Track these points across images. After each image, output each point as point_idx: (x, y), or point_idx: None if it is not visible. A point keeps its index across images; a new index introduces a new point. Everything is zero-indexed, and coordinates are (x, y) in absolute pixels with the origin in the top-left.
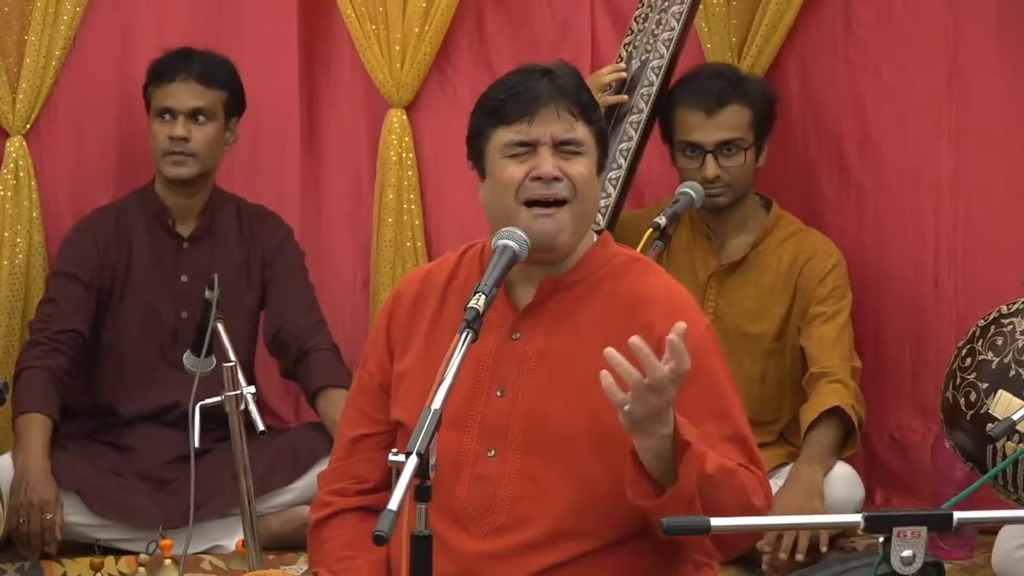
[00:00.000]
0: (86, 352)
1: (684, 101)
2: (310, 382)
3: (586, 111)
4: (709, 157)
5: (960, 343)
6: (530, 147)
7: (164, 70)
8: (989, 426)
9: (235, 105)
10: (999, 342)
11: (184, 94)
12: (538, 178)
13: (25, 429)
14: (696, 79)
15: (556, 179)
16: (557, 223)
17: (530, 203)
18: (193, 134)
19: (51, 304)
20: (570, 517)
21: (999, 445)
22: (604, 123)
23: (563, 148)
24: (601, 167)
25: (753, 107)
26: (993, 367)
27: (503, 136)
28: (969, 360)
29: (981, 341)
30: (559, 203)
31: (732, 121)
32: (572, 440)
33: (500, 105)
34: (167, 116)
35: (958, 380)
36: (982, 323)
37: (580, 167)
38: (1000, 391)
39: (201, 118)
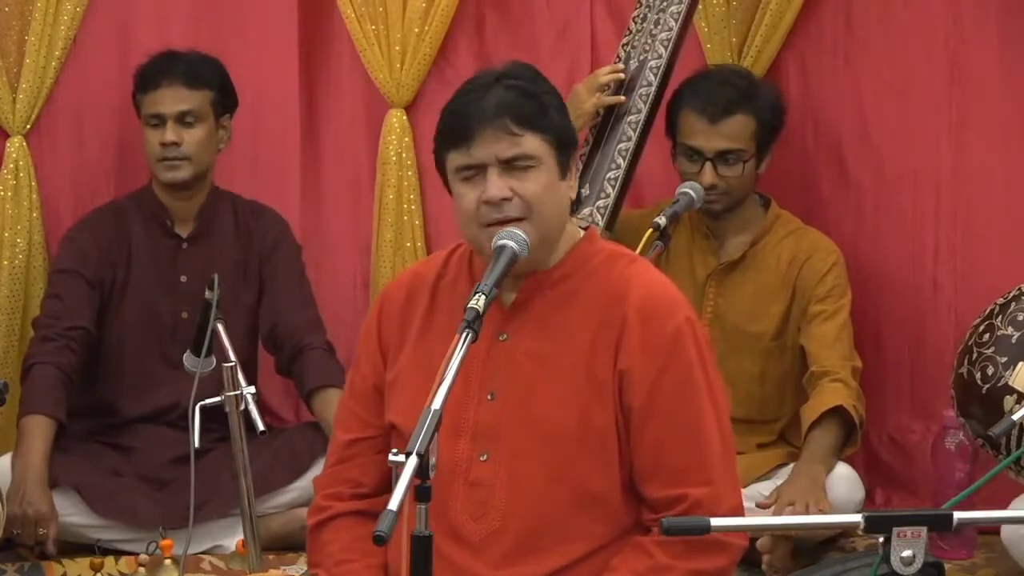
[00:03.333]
0: (92, 351)
1: (690, 103)
2: (304, 382)
3: (532, 120)
4: (708, 165)
5: (976, 320)
6: (477, 168)
7: (149, 76)
8: (1008, 399)
9: (224, 103)
10: (1020, 317)
11: (170, 98)
12: (488, 202)
13: (28, 433)
14: (706, 82)
15: (506, 199)
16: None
17: (488, 225)
18: (184, 137)
19: (57, 300)
20: (563, 518)
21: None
22: (560, 122)
23: (510, 165)
24: (565, 169)
25: (759, 118)
26: (1013, 341)
27: (454, 159)
28: (987, 335)
29: (1001, 317)
30: (515, 221)
31: (735, 131)
32: (562, 441)
33: (445, 128)
34: (156, 122)
35: (975, 355)
36: (1001, 301)
37: (531, 184)
38: (1021, 363)
39: (190, 120)
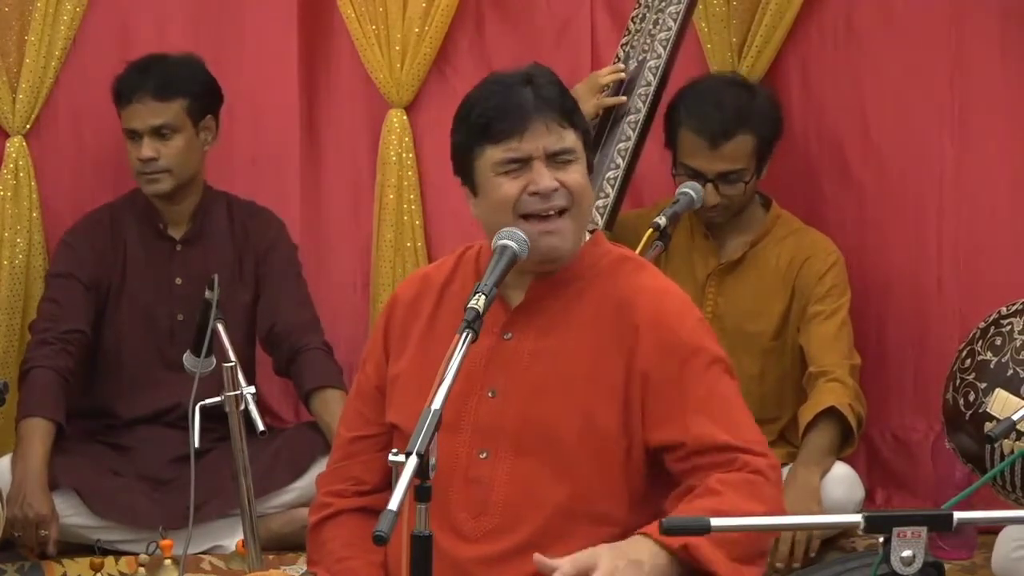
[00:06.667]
0: (88, 354)
1: (688, 124)
2: (303, 383)
3: (571, 116)
4: (709, 186)
5: (961, 346)
6: (523, 162)
7: (121, 90)
8: (988, 425)
9: (202, 106)
10: (998, 342)
11: (142, 114)
12: (535, 193)
13: (28, 435)
14: (701, 100)
15: (555, 190)
16: (561, 237)
17: (527, 216)
18: (161, 151)
19: (53, 304)
20: (562, 517)
21: (998, 444)
22: (587, 123)
23: (556, 158)
24: (591, 168)
25: (758, 134)
26: (992, 367)
27: (493, 155)
28: (969, 361)
29: (981, 342)
30: (559, 212)
31: (735, 153)
32: (564, 440)
33: (487, 124)
34: (133, 137)
35: (958, 381)
36: (982, 325)
37: (575, 174)
38: (997, 389)
39: (165, 132)
